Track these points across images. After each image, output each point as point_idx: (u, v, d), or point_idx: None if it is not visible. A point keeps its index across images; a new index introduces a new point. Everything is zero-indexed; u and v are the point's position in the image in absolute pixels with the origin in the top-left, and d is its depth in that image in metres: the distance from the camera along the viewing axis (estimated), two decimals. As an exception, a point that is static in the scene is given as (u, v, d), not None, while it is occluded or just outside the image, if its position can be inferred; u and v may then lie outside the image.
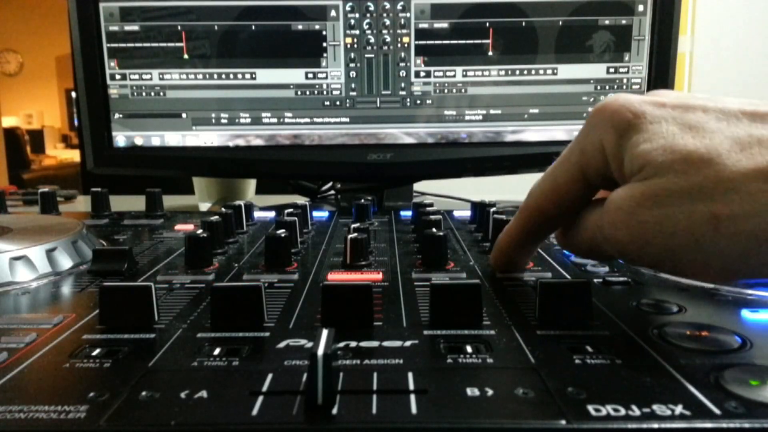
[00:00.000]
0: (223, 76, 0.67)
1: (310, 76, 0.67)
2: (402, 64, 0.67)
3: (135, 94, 0.68)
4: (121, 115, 0.68)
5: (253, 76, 0.68)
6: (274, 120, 0.68)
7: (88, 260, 0.41)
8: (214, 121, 0.68)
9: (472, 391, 0.21)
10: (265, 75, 0.68)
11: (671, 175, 0.26)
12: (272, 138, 0.69)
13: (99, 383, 0.23)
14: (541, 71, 0.68)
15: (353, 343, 0.26)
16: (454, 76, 0.68)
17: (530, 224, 0.34)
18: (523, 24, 0.67)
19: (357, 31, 0.67)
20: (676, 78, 0.69)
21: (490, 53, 0.68)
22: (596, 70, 0.69)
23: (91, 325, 0.29)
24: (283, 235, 0.40)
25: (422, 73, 0.68)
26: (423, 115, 0.69)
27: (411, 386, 0.22)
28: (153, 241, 0.49)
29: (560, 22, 0.67)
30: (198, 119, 0.68)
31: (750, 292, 0.33)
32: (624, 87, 0.69)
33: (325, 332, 0.21)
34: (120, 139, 0.69)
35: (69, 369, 0.24)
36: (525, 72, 0.68)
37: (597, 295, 0.32)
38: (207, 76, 0.67)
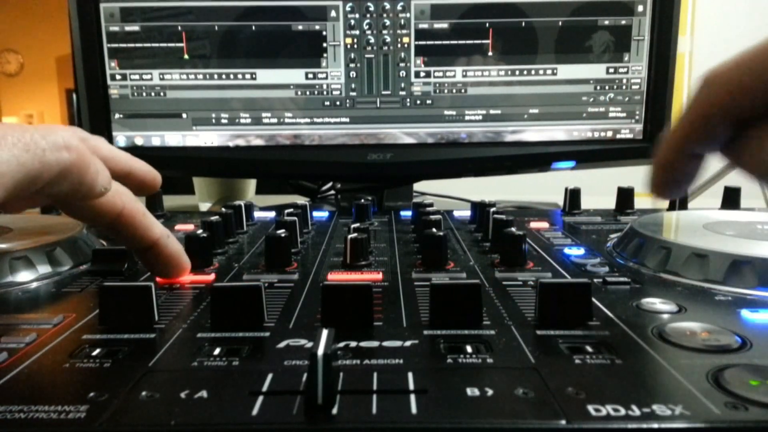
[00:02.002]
0: (224, 76, 0.67)
1: (310, 76, 0.67)
2: (402, 65, 0.67)
3: (135, 94, 0.68)
4: (121, 116, 0.68)
5: (253, 76, 0.68)
6: (274, 120, 0.68)
7: (88, 260, 0.41)
8: (214, 121, 0.68)
9: (472, 391, 0.21)
10: (265, 75, 0.67)
11: None
12: (272, 138, 0.69)
13: (99, 383, 0.23)
14: (541, 71, 0.68)
15: (353, 343, 0.26)
16: (454, 76, 0.68)
17: (705, 121, 0.28)
18: (523, 24, 0.67)
19: (357, 32, 0.67)
20: (676, 78, 0.69)
21: (490, 53, 0.68)
22: (596, 70, 0.69)
23: (91, 325, 0.29)
24: (283, 235, 0.40)
25: (422, 73, 0.68)
26: (423, 115, 0.69)
27: (411, 386, 0.22)
28: (153, 241, 0.49)
29: (560, 23, 0.67)
30: (198, 119, 0.68)
31: (750, 292, 0.33)
32: (624, 87, 0.69)
33: (325, 332, 0.21)
34: (120, 139, 0.69)
35: (69, 369, 0.24)
36: (525, 72, 0.68)
37: (597, 295, 0.32)
38: (207, 76, 0.67)
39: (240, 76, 0.67)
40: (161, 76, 0.67)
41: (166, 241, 0.35)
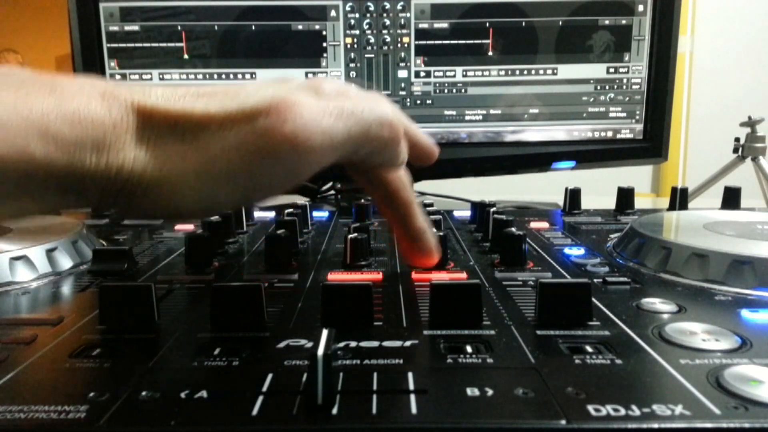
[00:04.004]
0: (223, 76, 0.67)
1: (310, 76, 0.67)
2: (402, 64, 0.67)
3: (135, 94, 0.68)
4: (121, 115, 0.68)
5: (253, 76, 0.67)
6: (274, 120, 0.68)
7: (88, 260, 0.41)
8: (214, 121, 0.68)
9: (472, 391, 0.21)
10: (265, 75, 0.67)
11: None
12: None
13: (99, 383, 0.23)
14: (541, 71, 0.68)
15: (353, 343, 0.26)
16: (454, 76, 0.68)
17: None
18: (523, 24, 0.67)
19: (357, 31, 0.67)
20: (676, 78, 0.69)
21: (490, 53, 0.68)
22: (596, 70, 0.69)
23: (91, 325, 0.29)
24: (283, 235, 0.40)
25: (422, 73, 0.68)
26: (423, 115, 0.69)
27: (411, 386, 0.22)
28: (153, 241, 0.49)
29: (560, 22, 0.67)
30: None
31: (750, 292, 0.33)
32: (624, 87, 0.69)
33: (325, 332, 0.21)
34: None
35: (69, 369, 0.24)
36: (525, 72, 0.68)
37: (597, 295, 0.32)
38: (207, 76, 0.67)
39: (240, 76, 0.67)
40: (161, 76, 0.67)
41: (424, 235, 0.37)
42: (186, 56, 0.67)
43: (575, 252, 0.44)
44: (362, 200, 0.55)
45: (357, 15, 0.66)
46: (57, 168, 0.23)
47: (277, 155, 0.26)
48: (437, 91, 0.68)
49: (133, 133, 0.25)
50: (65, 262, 0.40)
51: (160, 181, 0.25)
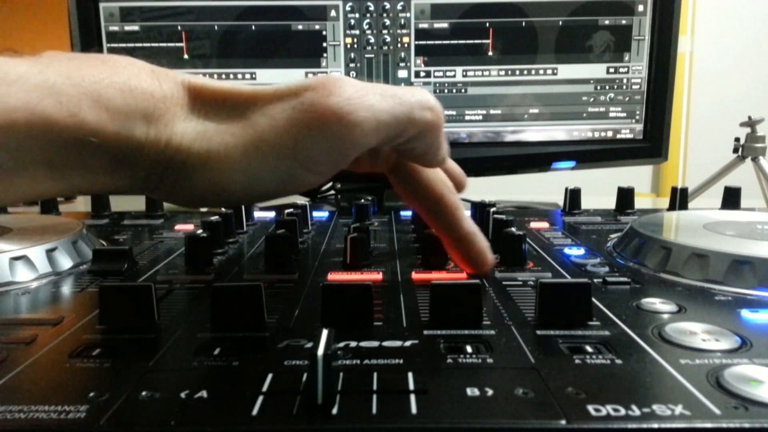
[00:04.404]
0: (223, 76, 0.67)
1: (310, 76, 0.67)
2: (402, 64, 0.67)
3: (135, 94, 0.68)
4: (121, 115, 0.68)
5: (253, 76, 0.67)
6: (274, 120, 0.68)
7: (88, 260, 0.41)
8: (214, 121, 0.68)
9: (472, 391, 0.21)
10: (265, 75, 0.67)
11: None
12: (272, 138, 0.69)
13: (99, 383, 0.23)
14: (541, 71, 0.68)
15: (353, 343, 0.26)
16: (454, 76, 0.68)
17: None
18: (523, 24, 0.67)
19: (357, 31, 0.67)
20: (676, 78, 0.69)
21: (490, 53, 0.68)
22: (596, 70, 0.69)
23: (91, 325, 0.29)
24: (283, 235, 0.40)
25: (422, 73, 0.68)
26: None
27: (411, 386, 0.22)
28: (153, 241, 0.49)
29: (560, 22, 0.67)
30: (198, 119, 0.68)
31: (750, 292, 0.33)
32: (624, 87, 0.69)
33: (325, 332, 0.21)
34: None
35: (69, 369, 0.24)
36: (525, 72, 0.68)
37: (597, 295, 0.32)
38: (207, 76, 0.67)
39: (240, 76, 0.67)
40: (161, 76, 0.67)
41: (474, 238, 0.36)
42: (186, 56, 0.67)
43: (575, 252, 0.44)
44: (362, 200, 0.55)
45: (357, 15, 0.66)
46: (107, 136, 0.24)
47: (323, 129, 0.26)
48: (437, 91, 0.68)
49: (182, 107, 0.26)
50: (65, 262, 0.40)
51: (207, 157, 0.26)
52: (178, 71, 0.27)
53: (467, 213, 0.36)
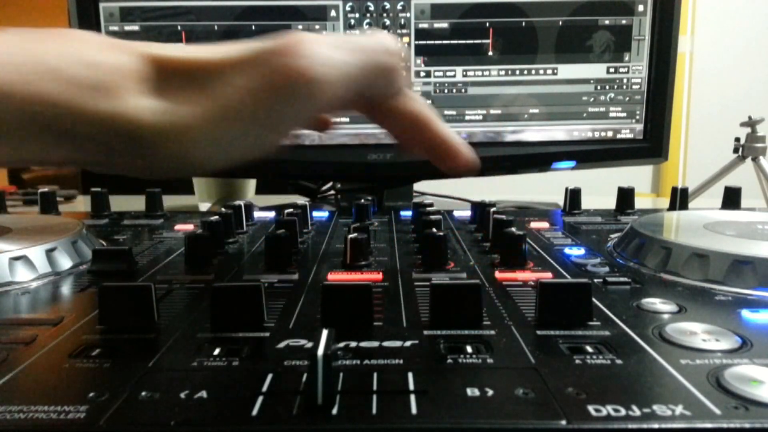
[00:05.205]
0: (223, 76, 0.67)
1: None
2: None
3: (135, 94, 0.68)
4: (121, 115, 0.68)
5: (253, 76, 0.67)
6: (274, 120, 0.68)
7: (88, 260, 0.41)
8: (214, 121, 0.68)
9: (472, 391, 0.21)
10: (265, 75, 0.67)
11: None
12: (272, 138, 0.69)
13: (99, 383, 0.23)
14: (541, 71, 0.68)
15: (353, 343, 0.26)
16: (454, 76, 0.68)
17: None
18: (523, 24, 0.67)
19: (357, 32, 0.67)
20: (676, 78, 0.69)
21: (490, 53, 0.68)
22: (596, 70, 0.69)
23: (91, 325, 0.29)
24: (283, 235, 0.40)
25: (422, 73, 0.68)
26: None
27: (411, 386, 0.22)
28: (153, 241, 0.49)
29: (560, 22, 0.67)
30: (198, 119, 0.68)
31: (750, 292, 0.33)
32: (624, 87, 0.69)
33: (325, 332, 0.21)
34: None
35: (69, 369, 0.24)
36: (525, 72, 0.68)
37: (597, 295, 0.32)
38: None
39: (240, 76, 0.67)
40: (161, 76, 0.67)
41: (451, 136, 0.36)
42: (186, 56, 0.67)
43: (575, 252, 0.44)
44: (362, 200, 0.55)
45: (357, 15, 0.66)
46: (64, 107, 0.24)
47: (291, 91, 0.26)
48: (437, 91, 0.68)
49: (143, 80, 0.25)
50: (65, 262, 0.40)
51: (172, 129, 0.25)
52: (142, 43, 0.27)
53: (441, 121, 0.36)
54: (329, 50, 0.27)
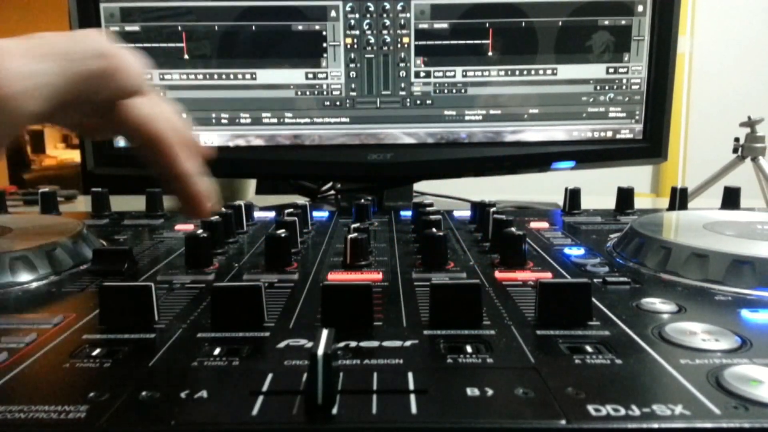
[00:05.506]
0: (224, 76, 0.67)
1: (311, 76, 0.67)
2: (402, 65, 0.67)
3: (135, 94, 0.68)
4: (121, 116, 0.68)
5: (253, 76, 0.67)
6: (274, 120, 0.68)
7: (88, 260, 0.41)
8: (214, 121, 0.68)
9: (472, 391, 0.21)
10: (265, 75, 0.67)
11: None
12: (272, 138, 0.69)
13: (99, 383, 0.23)
14: (541, 71, 0.68)
15: (353, 343, 0.26)
16: (454, 76, 0.68)
17: None
18: (523, 24, 0.67)
19: (357, 32, 0.67)
20: (675, 78, 0.69)
21: (490, 53, 0.68)
22: (596, 71, 0.69)
23: (91, 325, 0.29)
24: (283, 235, 0.40)
25: (422, 74, 0.68)
26: (423, 115, 0.69)
27: (411, 386, 0.22)
28: (153, 241, 0.49)
29: (560, 23, 0.67)
30: (198, 119, 0.68)
31: (750, 292, 0.33)
32: (624, 87, 0.69)
33: (325, 332, 0.21)
34: (121, 139, 0.69)
35: (69, 369, 0.24)
36: (525, 72, 0.68)
37: (597, 295, 0.32)
38: (207, 76, 0.67)
39: (240, 76, 0.67)
40: (161, 77, 0.67)
41: (190, 180, 0.33)
42: (186, 56, 0.67)
43: (575, 252, 0.44)
44: (362, 200, 0.55)
45: (357, 15, 0.66)
46: None
47: None
48: (437, 91, 0.68)
49: None
50: (65, 262, 0.40)
51: None
52: None
53: (186, 153, 0.33)
54: (24, 62, 0.26)
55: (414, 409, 0.20)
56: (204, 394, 0.22)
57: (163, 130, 0.32)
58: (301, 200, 0.76)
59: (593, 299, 0.29)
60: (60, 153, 6.14)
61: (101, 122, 0.33)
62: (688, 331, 0.27)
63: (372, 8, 0.66)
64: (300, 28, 0.67)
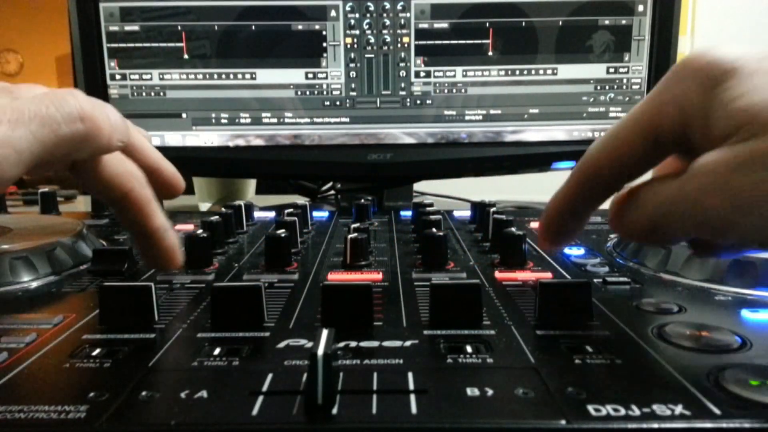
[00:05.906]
0: (223, 76, 0.67)
1: (310, 76, 0.67)
2: (402, 64, 0.67)
3: (135, 94, 0.68)
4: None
5: (253, 76, 0.67)
6: (274, 120, 0.68)
7: (88, 260, 0.41)
8: (214, 121, 0.68)
9: (472, 391, 0.21)
10: (265, 75, 0.67)
11: None
12: (272, 138, 0.69)
13: (99, 383, 0.23)
14: (541, 71, 0.68)
15: (353, 343, 0.26)
16: (454, 76, 0.68)
17: (583, 186, 0.29)
18: (523, 24, 0.67)
19: (357, 31, 0.67)
20: (676, 78, 0.69)
21: (490, 53, 0.68)
22: (596, 70, 0.69)
23: (91, 325, 0.29)
24: (283, 235, 0.40)
25: (422, 73, 0.68)
26: (423, 115, 0.69)
27: (411, 386, 0.22)
28: (153, 241, 0.49)
29: (560, 22, 0.67)
30: (198, 119, 0.68)
31: (750, 292, 0.33)
32: (624, 87, 0.69)
33: (325, 332, 0.21)
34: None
35: (69, 369, 0.24)
36: (525, 72, 0.68)
37: (597, 295, 0.32)
38: (207, 76, 0.67)
39: (240, 76, 0.67)
40: (161, 76, 0.67)
41: (164, 234, 0.34)
42: (186, 56, 0.67)
43: (575, 252, 0.44)
44: (362, 200, 0.55)
45: (357, 15, 0.66)
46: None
47: None
48: (437, 91, 0.68)
49: None
50: (65, 262, 0.40)
51: None
52: None
53: (157, 207, 0.34)
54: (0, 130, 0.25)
55: (414, 409, 0.20)
56: (204, 394, 0.22)
57: (139, 188, 0.33)
58: (301, 200, 0.76)
59: (593, 299, 0.29)
60: (60, 153, 6.13)
61: (74, 175, 0.33)
62: (688, 331, 0.27)
63: (372, 8, 0.66)
64: (300, 27, 0.67)
